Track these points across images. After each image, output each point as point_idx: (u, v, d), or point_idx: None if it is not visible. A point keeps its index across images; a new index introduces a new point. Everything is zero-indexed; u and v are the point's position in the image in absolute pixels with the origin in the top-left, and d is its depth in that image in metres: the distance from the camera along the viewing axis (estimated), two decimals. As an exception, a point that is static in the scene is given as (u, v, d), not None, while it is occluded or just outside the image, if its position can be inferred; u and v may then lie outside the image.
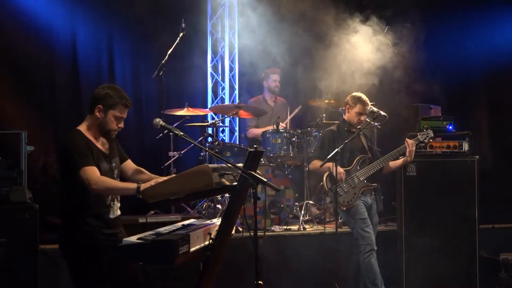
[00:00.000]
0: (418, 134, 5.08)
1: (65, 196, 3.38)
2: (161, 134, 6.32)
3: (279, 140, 5.97)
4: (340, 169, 4.84)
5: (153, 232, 3.23)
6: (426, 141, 5.11)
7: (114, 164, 3.48)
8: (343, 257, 4.95)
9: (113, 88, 3.43)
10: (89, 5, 6.70)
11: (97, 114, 3.37)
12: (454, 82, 7.77)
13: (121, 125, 3.45)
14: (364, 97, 5.01)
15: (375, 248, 4.83)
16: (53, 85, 6.54)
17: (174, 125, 6.15)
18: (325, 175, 4.96)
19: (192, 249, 3.08)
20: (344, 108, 6.35)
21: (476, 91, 8.01)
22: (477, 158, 5.31)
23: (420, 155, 5.28)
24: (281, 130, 5.99)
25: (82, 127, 3.41)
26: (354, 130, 5.00)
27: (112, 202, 3.42)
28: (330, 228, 5.64)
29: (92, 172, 3.22)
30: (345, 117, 5.09)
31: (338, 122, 5.32)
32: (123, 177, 3.56)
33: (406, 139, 4.94)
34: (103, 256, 3.29)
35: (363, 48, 5.97)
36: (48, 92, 6.50)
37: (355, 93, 5.07)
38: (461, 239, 5.22)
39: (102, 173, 3.32)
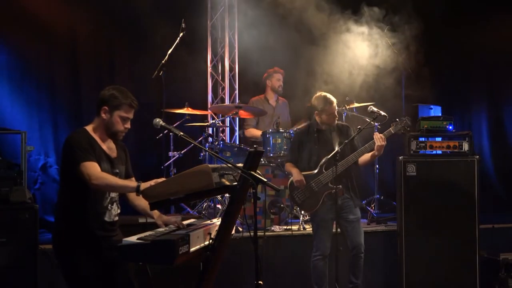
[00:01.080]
0: (391, 125, 4.87)
1: (63, 193, 3.38)
2: (161, 134, 6.32)
3: (279, 140, 5.97)
4: (299, 176, 4.79)
5: (153, 232, 3.23)
6: (400, 132, 4.90)
7: (117, 170, 3.44)
8: (342, 257, 4.94)
9: (118, 89, 3.42)
10: (89, 5, 6.70)
11: (103, 115, 3.37)
12: (454, 82, 7.80)
13: (128, 126, 3.43)
14: (329, 97, 4.85)
15: (326, 253, 4.81)
16: (53, 85, 6.55)
17: (174, 125, 6.16)
18: (289, 181, 4.97)
19: (192, 249, 3.08)
20: (342, 108, 6.39)
21: (476, 91, 8.02)
22: (477, 158, 5.30)
23: (420, 155, 5.28)
24: (281, 130, 5.99)
25: (89, 127, 3.41)
26: (325, 129, 4.89)
27: (110, 205, 3.39)
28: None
29: (93, 167, 3.21)
30: (317, 119, 4.92)
31: (310, 122, 5.26)
32: (123, 195, 3.53)
33: (375, 133, 4.73)
34: (94, 257, 3.28)
35: (363, 48, 5.97)
36: (48, 92, 6.51)
37: (319, 94, 4.91)
38: (461, 239, 5.22)
39: None
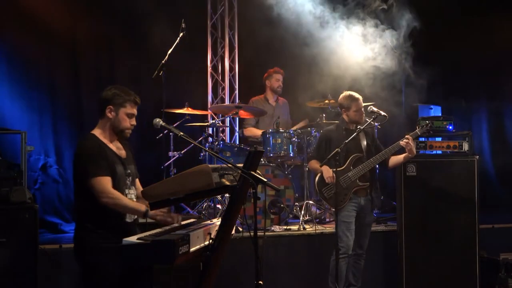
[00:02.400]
0: (417, 127, 5.03)
1: (81, 196, 3.36)
2: (161, 134, 6.32)
3: (279, 140, 5.97)
4: (330, 172, 4.81)
5: (153, 232, 3.23)
6: (425, 134, 5.03)
7: (129, 171, 3.47)
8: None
9: (120, 88, 3.47)
10: (89, 5, 6.70)
11: (109, 115, 3.40)
12: (454, 82, 7.80)
13: (134, 122, 3.48)
14: (354, 94, 4.96)
15: (350, 253, 4.83)
16: (53, 85, 6.55)
17: (174, 125, 6.16)
18: (317, 176, 4.98)
19: (192, 249, 3.08)
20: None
21: (476, 90, 8.02)
22: (477, 158, 5.30)
23: (420, 155, 5.28)
24: (281, 130, 5.99)
25: (96, 131, 3.42)
26: (353, 128, 4.95)
27: None
28: (330, 228, 5.65)
29: (105, 184, 3.24)
30: (345, 118, 5.01)
31: (338, 122, 5.31)
32: None
33: (406, 136, 4.84)
34: (113, 260, 3.26)
35: (363, 48, 5.97)
36: (48, 92, 6.51)
37: (344, 93, 5.01)
38: (461, 239, 5.21)
39: (117, 177, 3.34)
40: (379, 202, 5.07)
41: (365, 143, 4.96)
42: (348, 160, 4.88)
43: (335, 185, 4.68)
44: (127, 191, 3.43)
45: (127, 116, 3.43)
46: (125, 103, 3.41)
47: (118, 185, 3.35)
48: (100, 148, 3.33)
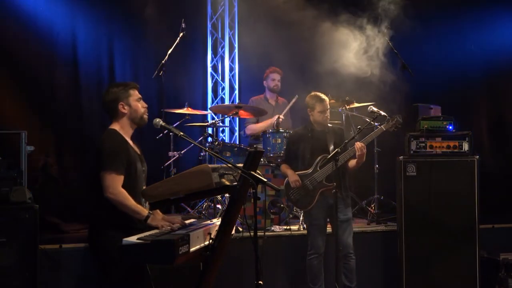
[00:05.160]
0: (385, 122, 4.92)
1: (97, 193, 3.37)
2: (161, 134, 6.32)
3: (279, 140, 5.97)
4: (294, 176, 4.87)
5: (153, 232, 3.23)
6: (392, 129, 4.92)
7: (143, 168, 3.57)
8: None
9: (115, 84, 3.67)
10: (89, 5, 6.70)
11: (123, 110, 3.54)
12: (454, 82, 7.78)
13: (145, 104, 3.65)
14: (320, 95, 4.96)
15: (320, 252, 4.87)
16: (53, 85, 6.54)
17: (174, 125, 6.16)
18: (285, 180, 5.03)
19: (192, 249, 3.08)
20: (343, 108, 6.40)
21: (476, 90, 8.01)
22: (477, 158, 5.30)
23: (420, 155, 5.28)
24: (281, 130, 5.99)
25: (116, 126, 3.52)
26: (320, 129, 4.97)
27: (145, 203, 3.44)
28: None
29: (115, 180, 3.29)
30: (310, 118, 5.02)
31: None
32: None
33: (356, 142, 4.75)
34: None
35: (363, 47, 5.97)
36: (48, 92, 6.50)
37: (312, 93, 5.02)
38: (461, 239, 5.21)
39: (137, 173, 3.44)
40: (349, 200, 4.98)
41: (332, 143, 4.92)
42: (315, 162, 4.89)
43: (300, 188, 4.82)
44: (144, 187, 3.48)
45: (137, 101, 3.59)
46: (130, 92, 3.58)
47: (137, 181, 3.44)
48: (124, 144, 3.42)
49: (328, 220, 4.99)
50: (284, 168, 5.07)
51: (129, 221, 3.34)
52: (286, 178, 5.01)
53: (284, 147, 5.92)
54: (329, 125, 5.02)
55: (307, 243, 4.94)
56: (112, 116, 3.57)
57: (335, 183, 4.75)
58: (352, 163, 4.88)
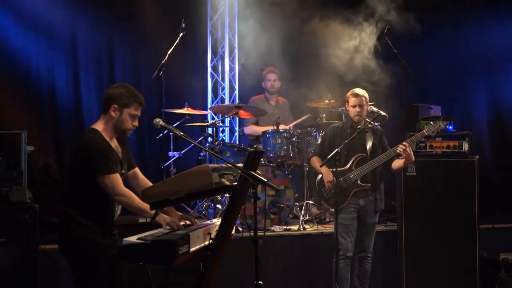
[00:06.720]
0: (425, 127, 4.89)
1: (74, 192, 3.33)
2: (161, 134, 6.32)
3: (279, 140, 5.96)
4: (329, 176, 4.75)
5: (153, 232, 3.23)
6: (434, 134, 4.84)
7: (123, 171, 3.45)
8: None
9: (127, 87, 3.43)
10: (89, 5, 6.70)
11: (112, 113, 3.36)
12: (454, 82, 7.79)
13: (136, 123, 3.45)
14: (356, 90, 4.89)
15: (349, 254, 4.77)
16: (53, 85, 6.55)
17: (174, 125, 6.15)
18: (318, 176, 4.95)
19: (192, 249, 3.08)
20: (343, 108, 6.39)
21: (476, 90, 8.02)
22: (477, 158, 5.30)
23: (420, 155, 5.28)
24: (281, 130, 5.99)
25: (99, 127, 3.37)
26: (358, 127, 4.85)
27: (117, 206, 3.41)
28: (330, 228, 5.64)
29: (118, 181, 3.24)
30: (349, 114, 4.98)
31: (337, 122, 5.31)
32: (128, 185, 3.50)
33: (400, 144, 4.69)
34: (105, 254, 3.28)
35: (363, 47, 5.96)
36: (48, 92, 6.51)
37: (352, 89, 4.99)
38: (461, 239, 5.22)
39: None
40: (382, 205, 4.89)
41: (370, 143, 4.86)
42: (351, 160, 4.82)
43: (335, 187, 4.64)
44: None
45: (130, 117, 3.39)
46: (130, 104, 3.38)
47: None
48: (107, 146, 3.32)
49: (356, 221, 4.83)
50: (316, 161, 4.92)
51: (101, 222, 3.30)
52: (320, 175, 4.89)
53: (285, 147, 5.93)
54: (369, 124, 4.87)
55: (335, 245, 4.66)
56: (102, 111, 3.42)
57: (369, 184, 4.73)
58: (398, 163, 4.79)
